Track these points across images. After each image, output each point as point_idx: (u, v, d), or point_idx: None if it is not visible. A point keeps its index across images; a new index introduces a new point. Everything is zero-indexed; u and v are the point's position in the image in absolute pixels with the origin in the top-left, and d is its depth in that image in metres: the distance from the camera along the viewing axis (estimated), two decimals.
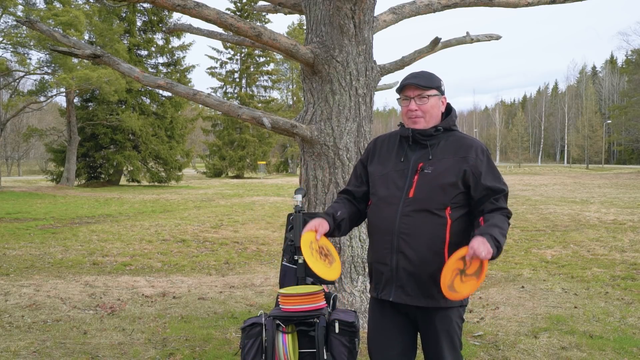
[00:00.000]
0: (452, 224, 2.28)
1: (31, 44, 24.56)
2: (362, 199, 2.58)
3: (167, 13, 32.34)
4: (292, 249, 2.92)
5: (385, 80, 27.98)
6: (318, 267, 2.39)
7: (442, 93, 2.43)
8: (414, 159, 2.38)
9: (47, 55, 25.92)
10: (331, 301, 2.85)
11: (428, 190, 2.29)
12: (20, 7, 25.38)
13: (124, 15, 32.22)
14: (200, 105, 31.66)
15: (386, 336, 2.42)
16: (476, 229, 2.25)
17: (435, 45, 5.03)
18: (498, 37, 6.07)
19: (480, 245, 2.06)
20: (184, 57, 40.36)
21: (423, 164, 2.34)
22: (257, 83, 48.19)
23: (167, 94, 31.95)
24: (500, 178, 2.35)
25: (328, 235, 2.50)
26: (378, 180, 2.45)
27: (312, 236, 2.43)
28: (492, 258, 2.09)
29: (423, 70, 2.46)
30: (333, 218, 2.50)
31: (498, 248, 2.11)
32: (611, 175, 37.89)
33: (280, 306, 2.66)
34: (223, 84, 47.32)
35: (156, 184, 33.20)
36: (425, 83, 2.37)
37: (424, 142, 2.38)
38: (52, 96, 30.48)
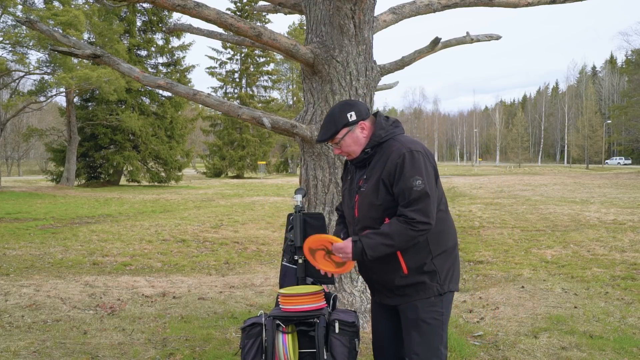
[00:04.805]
0: None
1: (30, 43, 24.55)
2: None
3: (167, 13, 32.35)
4: (292, 249, 2.92)
5: (385, 80, 27.95)
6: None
7: (355, 122, 2.40)
8: (357, 178, 2.48)
9: (47, 55, 25.92)
10: (331, 301, 2.85)
11: (365, 209, 2.39)
12: (19, 6, 25.37)
13: (124, 15, 32.25)
14: (200, 105, 31.72)
15: (376, 320, 2.61)
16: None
17: (435, 45, 5.03)
18: (498, 37, 6.07)
19: (342, 249, 2.34)
20: (184, 57, 40.46)
21: (362, 182, 2.42)
22: (257, 83, 48.25)
23: (167, 94, 31.96)
24: (413, 176, 2.23)
25: None
26: (342, 198, 2.62)
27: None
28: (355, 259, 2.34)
29: (327, 115, 2.44)
30: None
31: (364, 255, 2.29)
32: (611, 175, 37.89)
33: (280, 306, 2.66)
34: (223, 84, 47.36)
35: (156, 184, 33.21)
36: (325, 136, 2.43)
37: (362, 163, 2.45)
38: (51, 96, 30.50)
